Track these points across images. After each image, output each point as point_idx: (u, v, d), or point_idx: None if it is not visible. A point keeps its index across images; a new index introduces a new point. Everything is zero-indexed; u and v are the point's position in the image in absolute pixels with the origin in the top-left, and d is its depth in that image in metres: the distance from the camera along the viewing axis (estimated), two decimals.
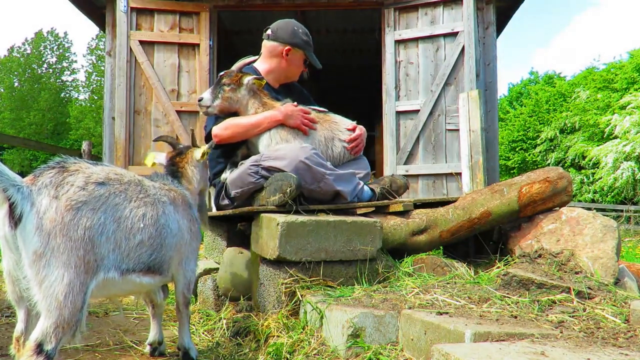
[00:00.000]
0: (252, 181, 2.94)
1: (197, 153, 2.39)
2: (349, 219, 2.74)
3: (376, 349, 2.00)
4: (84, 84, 38.17)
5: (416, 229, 3.12)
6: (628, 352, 1.56)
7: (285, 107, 3.11)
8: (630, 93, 18.98)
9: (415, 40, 6.05)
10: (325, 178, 2.91)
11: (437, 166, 5.86)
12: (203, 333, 2.56)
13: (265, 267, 2.58)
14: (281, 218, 2.53)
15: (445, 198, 3.56)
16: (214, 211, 3.29)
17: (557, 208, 3.08)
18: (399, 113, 6.01)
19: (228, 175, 3.13)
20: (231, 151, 3.24)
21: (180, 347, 2.21)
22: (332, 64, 10.18)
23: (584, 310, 2.10)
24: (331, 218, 2.68)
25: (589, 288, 2.30)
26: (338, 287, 2.59)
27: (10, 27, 71.17)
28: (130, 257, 1.82)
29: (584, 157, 20.63)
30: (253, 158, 3.02)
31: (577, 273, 2.53)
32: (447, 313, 2.01)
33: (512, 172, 26.56)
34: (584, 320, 1.98)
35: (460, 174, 5.36)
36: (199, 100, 3.16)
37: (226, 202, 3.15)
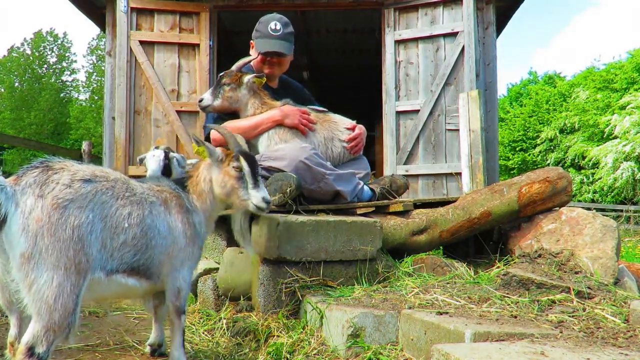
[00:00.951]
0: None
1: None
2: (349, 219, 2.74)
3: (376, 349, 2.00)
4: (84, 84, 38.17)
5: (416, 229, 3.12)
6: (628, 352, 1.56)
7: (284, 107, 3.11)
8: (630, 93, 18.99)
9: (415, 40, 6.04)
10: (325, 178, 2.91)
11: (437, 166, 5.86)
12: (203, 333, 2.56)
13: (265, 267, 2.59)
14: (281, 218, 2.53)
15: (445, 198, 3.56)
16: None
17: (557, 208, 3.08)
18: (399, 113, 6.01)
19: None
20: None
21: (170, 357, 2.08)
22: (332, 64, 10.18)
23: (584, 310, 2.10)
24: (331, 218, 2.68)
25: (589, 288, 2.30)
26: (338, 287, 2.59)
27: (10, 27, 71.21)
28: (114, 256, 1.75)
29: (583, 157, 20.64)
30: None
31: (577, 273, 2.53)
32: (447, 313, 2.01)
33: (512, 172, 26.56)
34: (583, 320, 1.99)
35: (460, 174, 5.36)
36: (200, 101, 3.17)
37: None
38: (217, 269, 3.09)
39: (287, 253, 2.50)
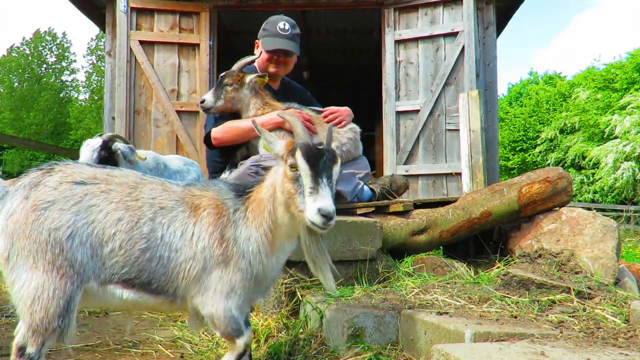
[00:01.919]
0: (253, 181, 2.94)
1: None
2: (349, 219, 2.74)
3: (376, 349, 2.00)
4: (84, 84, 38.18)
5: (416, 229, 3.12)
6: (628, 352, 1.56)
7: (286, 111, 3.12)
8: (631, 93, 18.98)
9: (415, 40, 6.04)
10: None
11: (437, 166, 5.86)
12: (203, 333, 2.56)
13: None
14: None
15: (445, 198, 3.56)
16: None
17: (557, 208, 3.08)
18: (399, 113, 6.01)
19: (227, 176, 3.13)
20: (231, 152, 3.24)
21: None
22: (332, 64, 10.18)
23: (584, 310, 2.10)
24: None
25: (589, 288, 2.30)
26: (338, 287, 2.59)
27: (10, 27, 71.22)
28: (105, 265, 1.60)
29: (584, 157, 20.63)
30: (253, 158, 3.03)
31: (577, 273, 2.53)
32: (447, 313, 2.01)
33: (512, 172, 26.56)
34: (584, 320, 1.98)
35: (460, 174, 5.36)
36: (202, 102, 3.16)
37: None
38: None
39: None
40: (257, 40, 3.40)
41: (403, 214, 3.20)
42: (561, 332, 1.81)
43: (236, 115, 3.22)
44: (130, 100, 5.94)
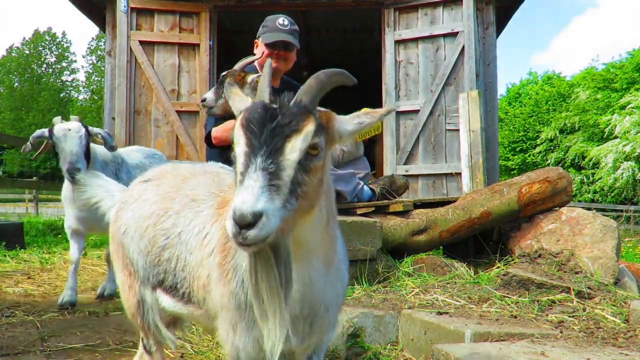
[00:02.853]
0: None
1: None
2: (349, 219, 2.74)
3: (376, 349, 2.00)
4: (84, 84, 38.19)
5: (416, 229, 3.12)
6: (628, 352, 1.56)
7: None
8: (630, 93, 18.97)
9: (415, 40, 6.04)
10: None
11: (437, 166, 5.86)
12: (203, 333, 2.56)
13: None
14: None
15: (445, 198, 3.56)
16: None
17: (557, 208, 3.08)
18: (399, 113, 6.01)
19: None
20: (231, 151, 3.24)
21: None
22: (332, 64, 10.16)
23: (584, 310, 2.10)
24: None
25: (589, 288, 2.30)
26: None
27: (10, 27, 71.23)
28: (146, 265, 1.45)
29: (583, 157, 20.63)
30: None
31: (577, 273, 2.53)
32: (447, 313, 2.01)
33: (512, 172, 26.56)
34: (583, 320, 1.99)
35: (460, 174, 5.36)
36: (202, 101, 3.16)
37: None
38: None
39: None
40: (256, 40, 3.41)
41: (403, 214, 3.20)
42: (561, 332, 1.81)
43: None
44: (130, 100, 5.94)
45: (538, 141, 25.85)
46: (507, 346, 1.57)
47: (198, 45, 6.06)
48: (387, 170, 5.87)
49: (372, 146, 10.27)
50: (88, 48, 38.73)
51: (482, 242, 3.33)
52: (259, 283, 1.00)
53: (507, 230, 3.20)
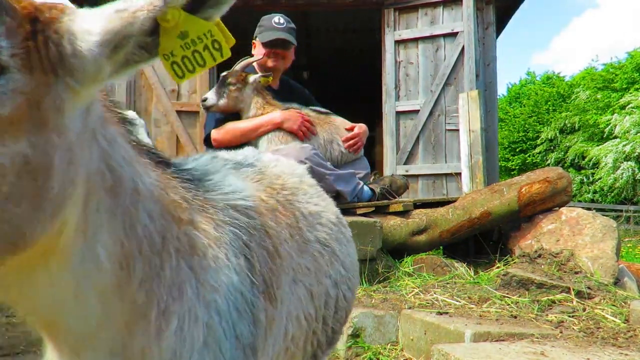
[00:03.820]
0: None
1: None
2: (349, 219, 2.74)
3: (376, 349, 2.00)
4: None
5: (416, 229, 3.12)
6: (628, 352, 1.56)
7: (286, 111, 3.12)
8: (630, 93, 18.98)
9: (415, 40, 6.04)
10: (325, 178, 2.91)
11: (437, 166, 5.86)
12: None
13: None
14: None
15: (445, 198, 3.57)
16: None
17: (557, 208, 3.09)
18: (399, 113, 6.00)
19: None
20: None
21: None
22: (332, 64, 10.17)
23: (584, 310, 2.10)
24: None
25: (589, 288, 2.30)
26: None
27: None
28: None
29: (583, 157, 20.63)
30: None
31: (576, 273, 2.53)
32: (447, 313, 2.01)
33: (512, 173, 26.54)
34: (583, 320, 1.99)
35: (460, 174, 5.36)
36: (203, 100, 3.16)
37: None
38: None
39: None
40: (253, 41, 3.40)
41: (403, 214, 3.20)
42: (561, 332, 1.81)
43: (237, 115, 3.23)
44: (130, 100, 5.94)
45: (538, 141, 25.85)
46: (507, 346, 1.57)
47: None
48: (387, 170, 5.87)
49: (372, 146, 10.31)
50: None
51: (482, 242, 3.33)
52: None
53: (507, 230, 3.20)
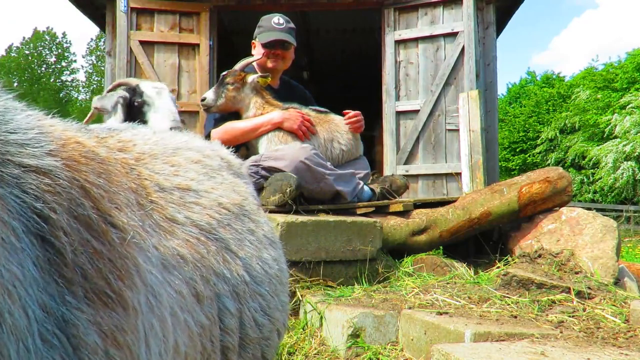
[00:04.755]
0: (251, 181, 2.94)
1: None
2: (349, 219, 2.74)
3: (376, 349, 2.00)
4: (84, 84, 38.21)
5: (416, 229, 3.12)
6: (628, 352, 1.56)
7: (285, 110, 3.13)
8: (631, 93, 18.97)
9: (415, 40, 6.04)
10: (325, 178, 2.91)
11: (437, 166, 5.85)
12: None
13: None
14: (281, 218, 2.53)
15: (445, 198, 3.56)
16: None
17: (557, 208, 3.08)
18: (399, 113, 6.00)
19: None
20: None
21: None
22: (332, 64, 10.17)
23: (584, 310, 2.10)
24: (331, 218, 2.68)
25: (589, 288, 2.30)
26: (338, 287, 2.59)
27: (10, 27, 71.27)
28: None
29: (584, 157, 20.63)
30: (253, 158, 3.03)
31: (577, 273, 2.53)
32: (447, 313, 2.01)
33: (512, 173, 26.53)
34: (583, 320, 1.98)
35: (460, 174, 5.36)
36: (202, 100, 3.16)
37: None
38: None
39: (286, 253, 2.50)
40: (253, 41, 3.41)
41: (403, 214, 3.20)
42: (561, 332, 1.81)
43: (236, 114, 3.23)
44: None
45: (538, 141, 25.85)
46: (507, 346, 1.57)
47: (198, 45, 6.05)
48: (387, 170, 5.87)
49: (372, 146, 10.30)
50: (87, 48, 38.76)
51: (482, 242, 3.33)
52: None
53: (507, 230, 3.20)
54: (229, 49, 8.10)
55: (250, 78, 3.13)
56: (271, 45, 3.25)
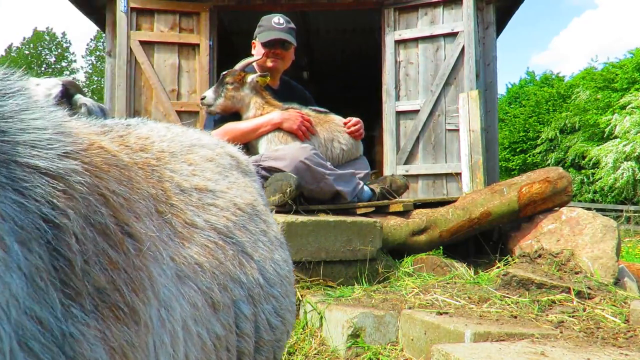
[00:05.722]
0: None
1: None
2: (349, 219, 2.74)
3: (376, 349, 2.00)
4: (84, 84, 38.20)
5: (416, 229, 3.12)
6: (628, 352, 1.56)
7: (285, 111, 3.13)
8: (631, 93, 18.96)
9: (415, 40, 6.04)
10: (325, 178, 2.91)
11: (437, 166, 5.86)
12: None
13: None
14: (281, 218, 2.53)
15: (445, 198, 3.56)
16: None
17: (557, 208, 3.08)
18: (399, 113, 6.00)
19: None
20: None
21: None
22: (332, 64, 10.18)
23: (584, 310, 2.10)
24: (331, 218, 2.68)
25: (589, 288, 2.30)
26: (338, 287, 2.59)
27: (9, 27, 71.26)
28: None
29: (584, 157, 20.63)
30: (253, 158, 3.03)
31: (577, 273, 2.53)
32: (447, 313, 2.01)
33: (512, 173, 26.52)
34: (583, 320, 1.98)
35: (460, 174, 5.36)
36: (202, 99, 3.16)
37: None
38: None
39: None
40: (253, 41, 3.41)
41: (403, 214, 3.20)
42: (561, 332, 1.81)
43: (236, 114, 3.23)
44: (131, 100, 5.94)
45: (538, 141, 25.85)
46: (507, 346, 1.57)
47: (198, 45, 6.05)
48: (387, 170, 5.87)
49: (372, 146, 10.31)
50: (87, 49, 38.77)
51: (482, 242, 3.33)
52: None
53: (507, 230, 3.20)
54: (229, 49, 8.10)
55: (250, 78, 3.13)
56: (271, 44, 3.25)
